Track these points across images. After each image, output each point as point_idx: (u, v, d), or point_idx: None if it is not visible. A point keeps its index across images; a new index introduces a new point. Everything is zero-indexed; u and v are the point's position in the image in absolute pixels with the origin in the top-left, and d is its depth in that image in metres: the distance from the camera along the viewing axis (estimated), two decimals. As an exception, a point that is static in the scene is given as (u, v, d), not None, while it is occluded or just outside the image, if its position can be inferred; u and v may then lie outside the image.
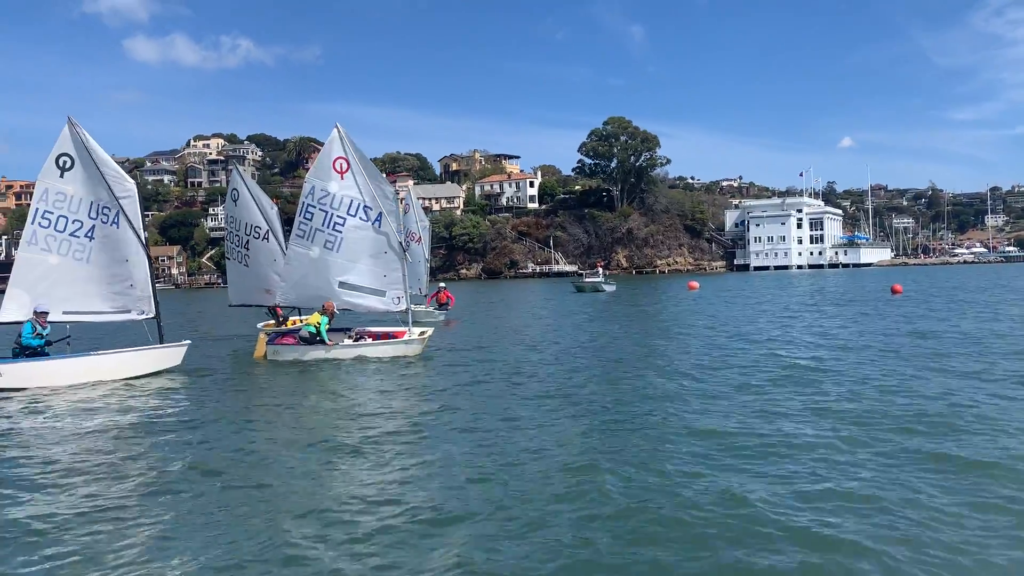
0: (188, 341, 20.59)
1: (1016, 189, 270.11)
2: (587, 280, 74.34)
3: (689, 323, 32.01)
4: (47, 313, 18.26)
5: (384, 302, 22.64)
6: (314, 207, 21.86)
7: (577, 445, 11.02)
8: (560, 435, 11.67)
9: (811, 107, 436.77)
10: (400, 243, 22.62)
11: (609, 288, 71.18)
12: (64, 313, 18.93)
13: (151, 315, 19.76)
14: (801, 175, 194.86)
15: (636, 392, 15.33)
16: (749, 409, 13.23)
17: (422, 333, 22.95)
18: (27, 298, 18.76)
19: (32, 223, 19.03)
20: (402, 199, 34.74)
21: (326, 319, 21.23)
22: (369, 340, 22.48)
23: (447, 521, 7.99)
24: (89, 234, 19.17)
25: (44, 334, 18.23)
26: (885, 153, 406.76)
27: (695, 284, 72.69)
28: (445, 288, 38.63)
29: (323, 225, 21.85)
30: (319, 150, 23.32)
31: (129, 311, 19.65)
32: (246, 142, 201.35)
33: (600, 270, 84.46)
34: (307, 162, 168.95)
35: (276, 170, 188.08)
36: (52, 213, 18.98)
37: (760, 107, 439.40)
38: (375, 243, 22.21)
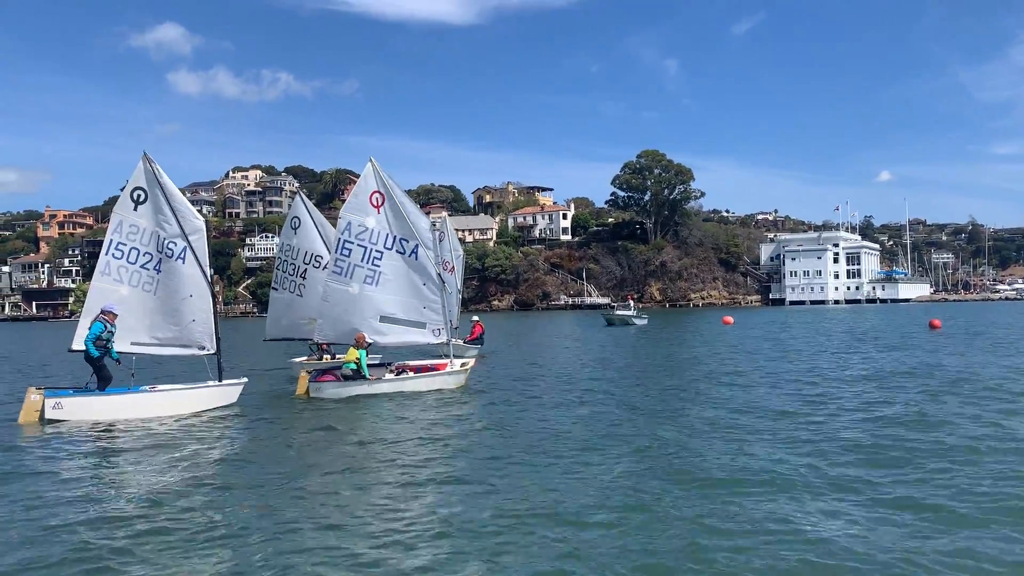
0: (245, 379, 20.62)
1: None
2: (617, 313, 73.89)
3: (714, 368, 31.49)
4: (116, 315, 18.37)
5: (424, 335, 22.61)
6: (352, 243, 21.88)
7: (624, 484, 10.81)
8: (606, 474, 11.50)
9: (848, 140, 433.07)
10: (439, 274, 22.65)
11: (640, 322, 70.72)
12: (132, 344, 19.15)
13: (212, 351, 19.89)
14: (837, 209, 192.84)
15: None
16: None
17: (463, 364, 22.88)
18: None
19: (106, 254, 19.44)
20: (437, 228, 34.15)
21: (363, 352, 21.19)
22: (410, 373, 22.40)
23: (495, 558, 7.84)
24: (157, 267, 19.45)
25: (110, 341, 18.14)
26: (924, 187, 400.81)
27: (730, 319, 71.84)
28: (478, 321, 37.20)
29: (362, 261, 21.88)
30: (355, 182, 23.42)
31: (190, 346, 19.79)
32: (283, 173, 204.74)
33: (631, 303, 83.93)
34: (343, 193, 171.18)
35: (313, 201, 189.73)
36: (125, 245, 19.36)
37: (796, 140, 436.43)
38: (413, 276, 22.25)
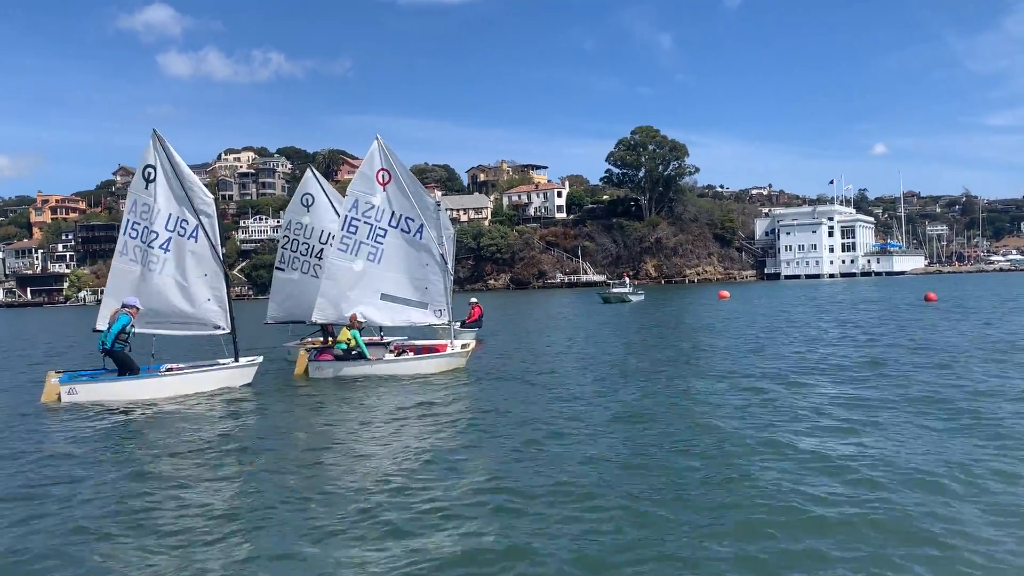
0: (260, 358, 20.53)
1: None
2: (613, 291, 74.26)
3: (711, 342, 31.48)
4: (138, 308, 18.31)
5: (426, 315, 22.41)
6: (359, 220, 21.70)
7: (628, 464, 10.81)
8: (612, 453, 11.60)
9: (842, 113, 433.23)
10: (442, 255, 22.36)
11: (636, 298, 71.00)
12: (147, 324, 19.10)
13: (227, 331, 19.83)
14: (832, 182, 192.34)
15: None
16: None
17: (464, 345, 22.72)
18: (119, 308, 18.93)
19: (123, 234, 19.43)
20: (441, 207, 32.87)
21: (357, 332, 20.97)
22: (410, 354, 22.28)
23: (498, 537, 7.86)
24: (165, 246, 19.31)
25: (131, 335, 18.02)
26: (918, 159, 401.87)
27: (725, 293, 72.09)
28: (477, 303, 34.81)
29: (367, 238, 21.70)
30: (348, 163, 23.21)
31: (206, 326, 19.74)
32: (276, 155, 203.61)
33: (627, 280, 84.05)
34: (336, 175, 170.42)
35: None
36: (139, 224, 19.31)
37: (790, 114, 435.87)
38: (417, 255, 22.06)
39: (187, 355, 21.08)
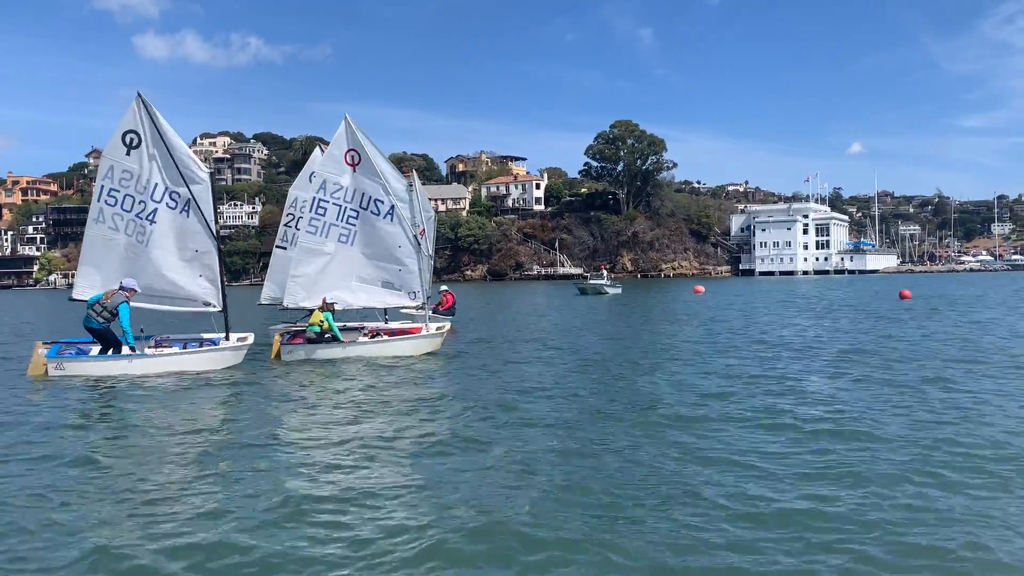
0: (250, 338, 19.93)
1: (1023, 197, 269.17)
2: (590, 283, 75.28)
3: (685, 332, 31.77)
4: (136, 291, 17.74)
5: (400, 297, 22.18)
6: (327, 201, 21.23)
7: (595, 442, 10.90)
8: (579, 433, 11.59)
9: (820, 112, 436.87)
10: (415, 236, 22.11)
11: (613, 291, 71.52)
12: (135, 299, 18.38)
13: (219, 308, 19.33)
14: (807, 180, 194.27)
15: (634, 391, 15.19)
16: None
17: (439, 328, 22.55)
18: (98, 277, 18.37)
19: (98, 200, 18.48)
20: (413, 188, 31.54)
21: (329, 314, 20.62)
22: (384, 337, 21.98)
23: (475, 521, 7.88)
24: (151, 217, 18.52)
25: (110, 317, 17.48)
26: (893, 159, 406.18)
27: (700, 288, 72.63)
28: (448, 290, 34.05)
29: (337, 219, 21.27)
30: (325, 150, 22.24)
31: (196, 303, 19.16)
32: (252, 140, 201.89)
33: (604, 272, 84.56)
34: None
35: (282, 169, 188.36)
36: (118, 191, 18.41)
37: (768, 112, 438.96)
38: (389, 237, 21.71)
39: (178, 327, 20.63)
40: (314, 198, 21.36)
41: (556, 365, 19.10)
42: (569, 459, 9.84)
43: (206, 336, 19.67)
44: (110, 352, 17.76)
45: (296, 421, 12.75)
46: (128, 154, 18.46)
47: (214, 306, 19.33)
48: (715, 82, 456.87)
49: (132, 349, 17.69)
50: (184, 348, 18.98)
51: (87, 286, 18.38)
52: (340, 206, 21.34)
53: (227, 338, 19.39)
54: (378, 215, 21.57)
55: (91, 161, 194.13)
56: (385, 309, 23.72)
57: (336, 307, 20.99)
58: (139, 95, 18.59)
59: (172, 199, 18.63)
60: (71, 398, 15.15)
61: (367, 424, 12.32)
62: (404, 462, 9.86)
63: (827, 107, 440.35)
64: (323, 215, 21.28)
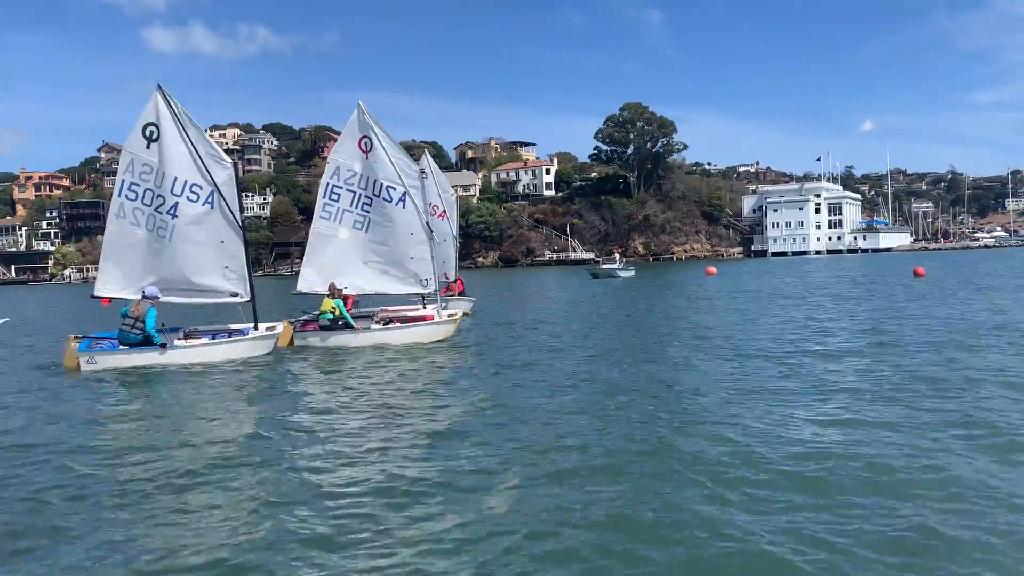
0: (280, 327, 20.04)
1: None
2: (603, 267, 75.69)
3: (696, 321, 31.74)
4: (158, 298, 17.98)
5: (412, 284, 22.16)
6: (340, 187, 21.36)
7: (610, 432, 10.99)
8: (591, 422, 11.68)
9: (831, 91, 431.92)
10: (427, 223, 22.13)
11: (626, 274, 71.76)
12: (160, 292, 18.64)
13: (247, 299, 19.38)
14: (819, 160, 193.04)
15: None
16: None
17: (452, 315, 22.50)
18: (119, 273, 18.46)
19: (119, 195, 18.52)
20: (425, 174, 30.80)
21: (340, 301, 20.69)
22: (397, 324, 21.96)
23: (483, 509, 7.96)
24: (172, 212, 18.50)
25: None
26: (905, 137, 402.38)
27: (712, 269, 72.48)
28: (458, 277, 33.79)
29: (351, 206, 21.37)
30: (334, 139, 22.59)
31: (223, 294, 19.24)
32: (262, 131, 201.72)
33: (617, 256, 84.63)
34: (323, 151, 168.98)
35: (292, 160, 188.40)
36: (139, 186, 18.40)
37: (779, 91, 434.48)
38: (402, 224, 21.69)
39: (206, 318, 20.69)
40: (327, 184, 21.47)
41: (567, 352, 19.15)
42: (589, 450, 9.89)
43: (235, 327, 19.71)
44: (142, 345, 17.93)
45: (309, 414, 12.75)
46: (148, 147, 18.42)
47: (242, 296, 19.36)
48: (724, 62, 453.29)
49: (163, 346, 17.88)
50: (213, 339, 19.06)
51: (109, 282, 18.51)
52: (354, 192, 21.42)
53: (255, 327, 19.44)
54: (390, 202, 21.56)
55: (102, 155, 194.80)
56: (423, 295, 23.34)
57: (346, 292, 21.12)
58: (159, 87, 18.52)
59: (193, 192, 18.55)
60: (103, 391, 15.38)
61: (380, 414, 12.46)
62: (423, 455, 9.83)
63: (838, 85, 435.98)
64: (336, 201, 21.44)
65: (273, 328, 19.86)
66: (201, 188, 18.63)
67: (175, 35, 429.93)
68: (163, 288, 18.60)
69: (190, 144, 18.48)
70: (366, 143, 21.40)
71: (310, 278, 21.65)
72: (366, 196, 21.42)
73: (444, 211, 32.54)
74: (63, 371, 17.66)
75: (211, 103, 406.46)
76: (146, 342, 17.76)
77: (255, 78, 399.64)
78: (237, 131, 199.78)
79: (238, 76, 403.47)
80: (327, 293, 20.86)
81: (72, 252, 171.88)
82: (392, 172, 21.50)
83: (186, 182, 18.51)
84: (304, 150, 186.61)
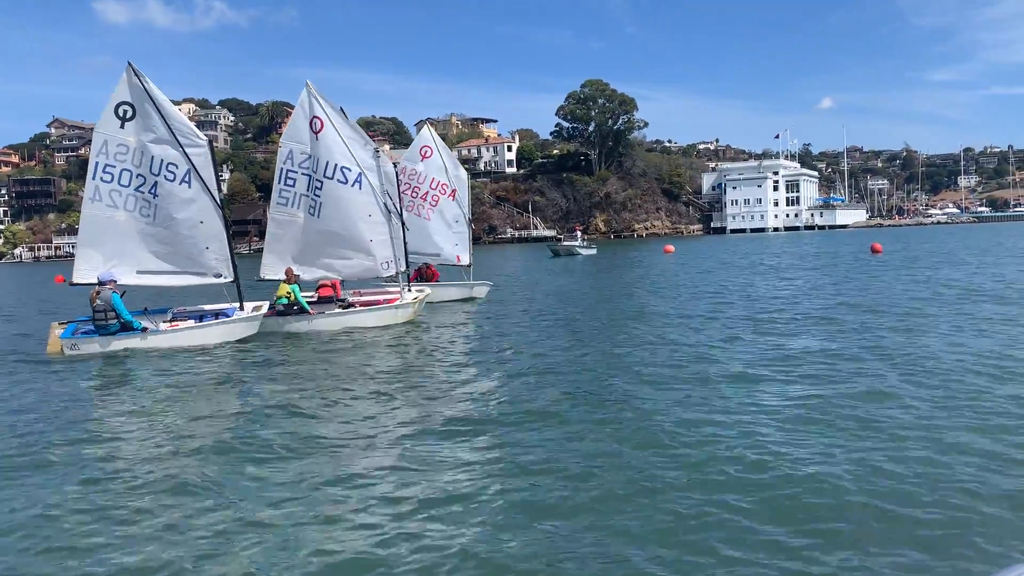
0: (265, 305, 19.66)
1: (988, 150, 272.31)
2: (563, 244, 76.24)
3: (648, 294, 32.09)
4: (115, 280, 17.62)
5: (372, 268, 21.65)
6: (295, 172, 20.86)
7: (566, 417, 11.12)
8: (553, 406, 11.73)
9: (790, 68, 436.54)
10: (384, 204, 21.54)
11: (587, 252, 72.24)
12: (138, 274, 18.34)
13: (230, 279, 19.08)
14: (777, 137, 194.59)
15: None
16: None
17: (415, 297, 22.07)
18: (99, 258, 18.11)
19: (93, 178, 18.10)
20: (425, 147, 29.94)
21: (296, 286, 20.38)
22: (358, 307, 21.54)
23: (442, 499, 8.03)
24: (153, 191, 18.16)
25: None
26: (862, 114, 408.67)
27: (671, 248, 73.00)
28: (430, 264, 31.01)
29: (307, 190, 20.90)
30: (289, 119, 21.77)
31: (206, 274, 18.92)
32: (218, 107, 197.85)
33: (579, 234, 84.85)
34: (280, 127, 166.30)
35: (249, 135, 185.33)
36: (114, 167, 18.03)
37: (738, 68, 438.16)
38: (358, 205, 21.17)
39: (192, 298, 20.30)
40: (281, 169, 20.98)
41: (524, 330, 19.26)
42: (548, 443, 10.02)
43: (221, 307, 19.45)
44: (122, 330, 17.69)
45: (256, 407, 12.51)
46: (123, 127, 18.07)
47: (225, 276, 19.11)
48: (685, 40, 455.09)
49: (144, 330, 17.63)
50: (200, 321, 18.81)
51: (88, 268, 18.15)
52: (309, 176, 20.95)
53: (241, 308, 19.19)
54: (345, 183, 21.05)
55: (52, 131, 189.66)
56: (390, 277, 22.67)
57: (303, 277, 20.84)
58: (130, 64, 18.14)
59: (170, 171, 18.25)
60: (83, 376, 15.14)
61: (323, 404, 12.36)
62: (391, 443, 9.78)
63: (797, 62, 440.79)
64: (292, 186, 20.99)
65: (259, 308, 19.56)
66: (177, 167, 18.30)
67: (128, 8, 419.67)
68: (144, 271, 18.36)
69: (164, 122, 18.16)
70: (316, 123, 20.87)
71: (272, 264, 21.30)
72: (317, 179, 20.90)
73: (454, 190, 30.52)
74: (47, 357, 17.34)
75: (166, 78, 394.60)
76: (125, 328, 17.48)
77: (211, 52, 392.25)
78: (192, 106, 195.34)
79: (194, 50, 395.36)
80: (282, 279, 20.51)
81: (22, 231, 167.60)
82: (345, 152, 20.98)
83: (162, 161, 18.19)
84: (261, 126, 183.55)
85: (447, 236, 29.61)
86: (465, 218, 30.54)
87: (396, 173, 26.41)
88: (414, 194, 29.14)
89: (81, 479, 8.45)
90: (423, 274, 29.59)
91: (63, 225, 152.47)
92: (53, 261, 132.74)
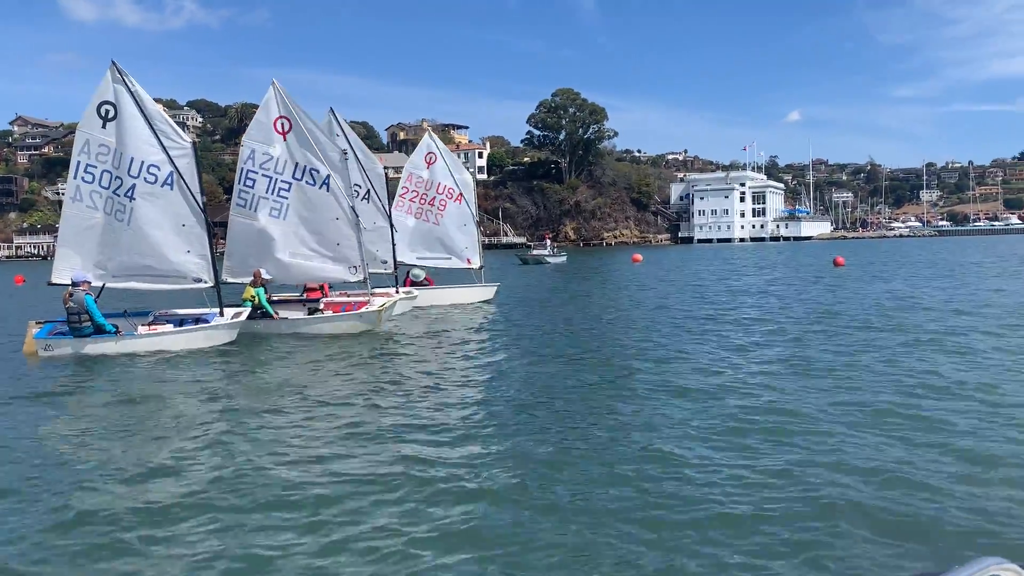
0: (245, 313, 19.23)
1: (950, 165, 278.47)
2: (532, 253, 76.65)
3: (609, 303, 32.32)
4: (89, 282, 17.29)
5: (339, 271, 21.13)
6: (256, 172, 20.37)
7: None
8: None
9: (759, 82, 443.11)
10: (352, 207, 21.04)
11: (556, 260, 72.43)
12: (114, 278, 18.00)
13: (210, 284, 18.73)
14: (745, 149, 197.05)
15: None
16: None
17: (381, 304, 21.31)
18: (78, 259, 17.83)
19: (75, 177, 17.82)
20: (429, 153, 29.73)
21: (261, 290, 20.06)
22: (328, 312, 21.10)
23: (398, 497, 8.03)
24: (129, 194, 17.86)
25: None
26: (828, 128, 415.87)
27: (639, 257, 73.47)
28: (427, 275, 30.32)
29: (267, 192, 20.37)
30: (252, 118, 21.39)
31: (186, 279, 18.58)
32: (186, 108, 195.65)
33: (548, 241, 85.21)
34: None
35: (217, 137, 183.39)
36: (95, 167, 17.75)
37: (708, 81, 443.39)
38: (324, 208, 20.67)
39: (175, 302, 19.99)
40: (241, 169, 20.55)
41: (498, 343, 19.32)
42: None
43: (200, 312, 19.04)
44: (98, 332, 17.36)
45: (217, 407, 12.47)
46: (104, 127, 17.83)
47: (205, 281, 18.79)
48: (656, 51, 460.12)
49: (118, 332, 17.30)
50: (179, 326, 18.39)
51: (67, 269, 17.86)
52: (270, 177, 20.45)
53: (221, 314, 18.84)
54: (314, 185, 20.62)
55: (15, 129, 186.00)
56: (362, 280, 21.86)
57: (270, 281, 20.44)
58: (113, 63, 17.96)
59: (151, 173, 17.98)
60: (53, 378, 14.81)
61: (297, 408, 12.35)
62: (373, 448, 9.66)
63: (766, 76, 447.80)
64: (252, 187, 20.49)
65: (239, 314, 19.20)
66: (159, 169, 18.03)
67: (97, 5, 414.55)
68: (121, 274, 18.03)
69: (147, 123, 17.96)
70: (283, 124, 20.44)
71: (233, 267, 20.77)
72: (283, 181, 20.45)
73: (460, 193, 30.46)
74: (23, 356, 17.06)
75: (134, 77, 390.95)
76: (99, 331, 17.18)
77: (181, 52, 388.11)
78: (160, 107, 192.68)
79: (162, 49, 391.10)
80: (249, 282, 20.24)
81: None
82: (314, 154, 20.55)
83: (143, 162, 17.92)
84: (230, 127, 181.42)
85: (458, 240, 29.93)
86: (473, 220, 30.98)
87: (402, 180, 27.17)
88: (423, 201, 29.37)
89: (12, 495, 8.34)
90: (416, 282, 28.79)
91: (24, 224, 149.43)
92: (14, 261, 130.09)
